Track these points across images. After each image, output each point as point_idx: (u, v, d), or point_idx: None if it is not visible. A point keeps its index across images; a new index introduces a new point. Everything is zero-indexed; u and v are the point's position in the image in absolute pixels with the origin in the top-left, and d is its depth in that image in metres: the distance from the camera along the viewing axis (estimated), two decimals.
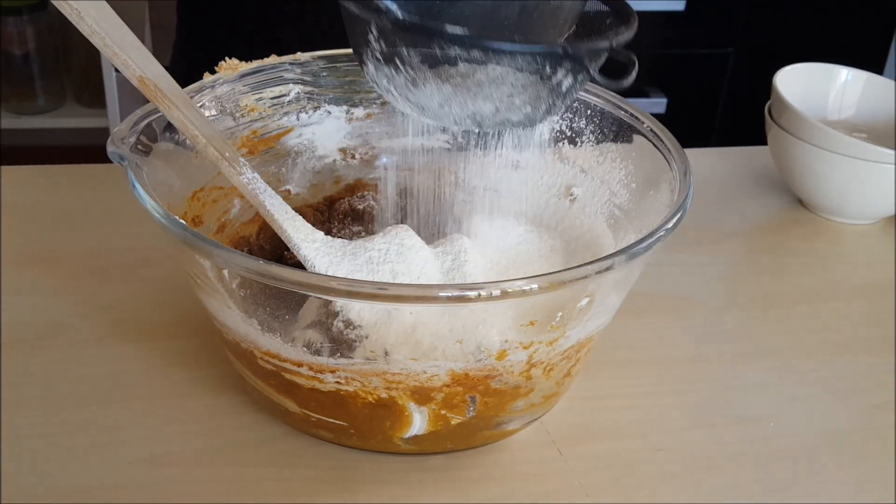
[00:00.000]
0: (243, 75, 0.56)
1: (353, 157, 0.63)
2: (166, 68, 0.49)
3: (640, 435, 0.52)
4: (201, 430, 0.50)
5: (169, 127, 0.50)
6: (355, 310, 0.45)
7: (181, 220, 0.43)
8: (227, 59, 0.56)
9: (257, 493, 0.47)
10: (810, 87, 0.80)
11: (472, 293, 0.40)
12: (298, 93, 0.59)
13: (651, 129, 0.54)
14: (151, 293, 0.60)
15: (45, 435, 0.49)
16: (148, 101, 0.50)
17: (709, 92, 1.95)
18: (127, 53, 0.47)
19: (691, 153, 0.52)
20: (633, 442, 0.52)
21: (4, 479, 0.46)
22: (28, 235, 0.65)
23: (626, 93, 0.50)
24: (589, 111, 0.59)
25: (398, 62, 0.45)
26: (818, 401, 0.56)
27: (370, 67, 0.47)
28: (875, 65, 1.95)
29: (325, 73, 0.60)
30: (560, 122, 0.60)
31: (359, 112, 0.62)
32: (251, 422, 0.51)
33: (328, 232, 0.53)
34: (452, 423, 0.46)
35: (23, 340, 0.55)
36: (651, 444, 0.52)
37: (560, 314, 0.45)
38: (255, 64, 0.57)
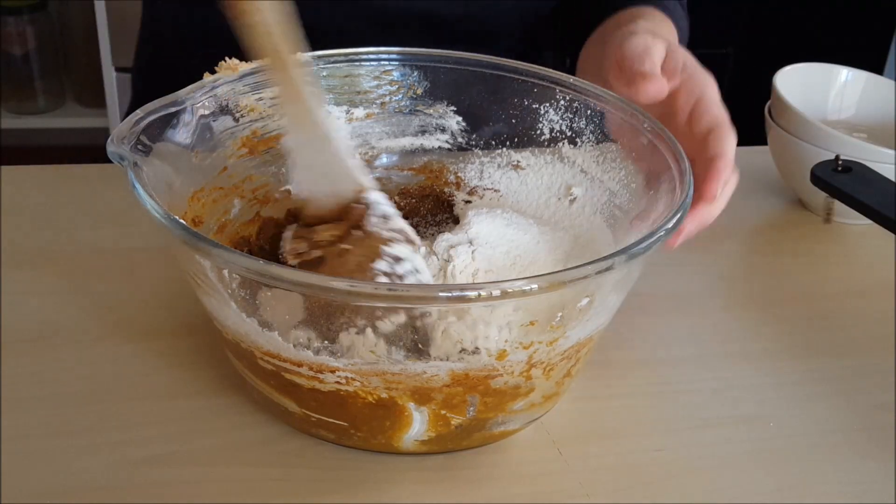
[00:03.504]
0: (243, 75, 0.56)
1: (353, 157, 0.63)
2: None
3: (640, 435, 0.52)
4: (201, 430, 0.50)
5: (169, 127, 0.50)
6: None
7: (181, 221, 0.43)
8: (226, 58, 0.56)
9: (257, 493, 0.47)
10: (810, 87, 0.80)
11: (472, 293, 0.40)
12: None
13: (651, 129, 0.54)
14: (151, 293, 0.60)
15: (45, 435, 0.49)
16: (148, 101, 0.50)
17: None
18: None
19: None
20: (633, 442, 0.52)
21: (4, 479, 0.46)
22: (28, 235, 0.65)
23: None
24: (589, 111, 0.59)
25: None
26: (818, 401, 0.56)
27: None
28: (875, 65, 1.96)
29: (324, 73, 0.60)
30: (560, 122, 0.60)
31: (359, 112, 0.62)
32: (251, 422, 0.51)
33: None
34: (452, 423, 0.46)
35: (23, 340, 0.55)
36: (651, 444, 0.52)
37: (560, 314, 0.45)
38: (255, 64, 0.57)
